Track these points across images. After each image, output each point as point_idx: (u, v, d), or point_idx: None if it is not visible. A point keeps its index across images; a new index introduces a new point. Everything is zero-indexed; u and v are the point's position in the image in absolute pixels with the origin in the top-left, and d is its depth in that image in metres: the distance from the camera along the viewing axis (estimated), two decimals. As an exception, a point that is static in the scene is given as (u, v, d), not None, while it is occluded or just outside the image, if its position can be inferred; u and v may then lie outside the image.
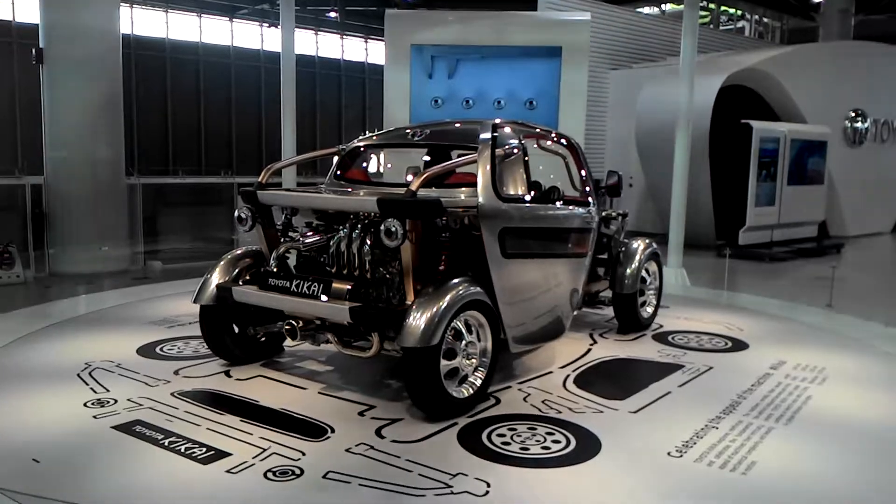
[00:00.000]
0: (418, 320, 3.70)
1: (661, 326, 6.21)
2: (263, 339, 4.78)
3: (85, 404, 4.13)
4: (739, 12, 24.62)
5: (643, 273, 5.93)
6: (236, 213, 4.55)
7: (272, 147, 18.78)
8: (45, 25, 9.02)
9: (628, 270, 5.77)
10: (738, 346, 5.69)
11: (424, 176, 3.95)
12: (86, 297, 7.28)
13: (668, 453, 3.55)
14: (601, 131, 14.35)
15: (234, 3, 23.45)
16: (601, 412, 4.10)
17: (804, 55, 14.41)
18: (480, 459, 3.44)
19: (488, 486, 3.18)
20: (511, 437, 3.71)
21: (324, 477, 3.25)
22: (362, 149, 5.23)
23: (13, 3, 18.85)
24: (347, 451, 3.52)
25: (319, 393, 4.35)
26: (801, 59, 14.06)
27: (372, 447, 3.56)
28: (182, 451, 3.50)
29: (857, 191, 14.82)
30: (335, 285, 4.03)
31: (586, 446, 3.62)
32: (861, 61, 14.90)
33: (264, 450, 3.52)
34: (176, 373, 4.68)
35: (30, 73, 10.17)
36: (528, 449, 3.57)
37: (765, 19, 24.70)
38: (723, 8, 24.10)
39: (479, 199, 4.04)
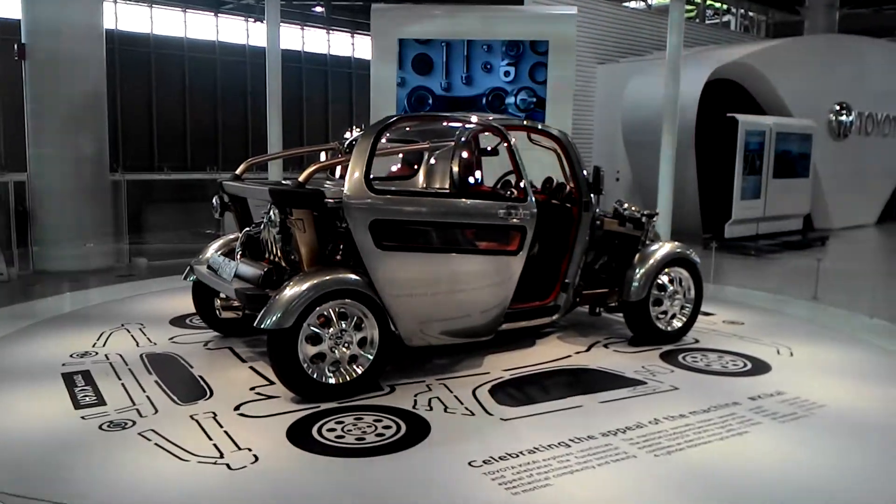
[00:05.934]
0: (275, 304, 3.88)
1: (697, 342, 5.49)
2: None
3: (71, 355, 4.69)
4: (725, 6, 24.68)
5: (663, 280, 5.36)
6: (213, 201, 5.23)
7: (258, 142, 18.68)
8: (27, 21, 8.91)
9: (637, 274, 5.24)
10: (758, 370, 4.83)
11: (312, 169, 4.24)
12: (71, 294, 7.20)
13: (471, 462, 3.32)
14: (588, 125, 14.36)
15: (219, -2, 23.30)
16: (472, 415, 3.90)
17: (789, 49, 14.46)
18: (285, 441, 3.51)
19: (255, 460, 3.28)
20: (342, 427, 3.67)
21: (139, 433, 3.54)
22: (350, 144, 5.40)
23: (-6, -2, 18.63)
24: (192, 417, 3.74)
25: (249, 367, 4.63)
26: (787, 53, 14.11)
27: (214, 416, 3.76)
28: (78, 397, 4.01)
29: (841, 183, 14.92)
30: (250, 267, 4.44)
31: (402, 444, 3.51)
32: (846, 55, 14.98)
33: (133, 405, 3.92)
34: (171, 339, 5.18)
35: (12, 70, 10.04)
36: (343, 437, 3.55)
37: (750, 13, 24.76)
38: (708, 2, 24.15)
39: (345, 190, 4.06)
